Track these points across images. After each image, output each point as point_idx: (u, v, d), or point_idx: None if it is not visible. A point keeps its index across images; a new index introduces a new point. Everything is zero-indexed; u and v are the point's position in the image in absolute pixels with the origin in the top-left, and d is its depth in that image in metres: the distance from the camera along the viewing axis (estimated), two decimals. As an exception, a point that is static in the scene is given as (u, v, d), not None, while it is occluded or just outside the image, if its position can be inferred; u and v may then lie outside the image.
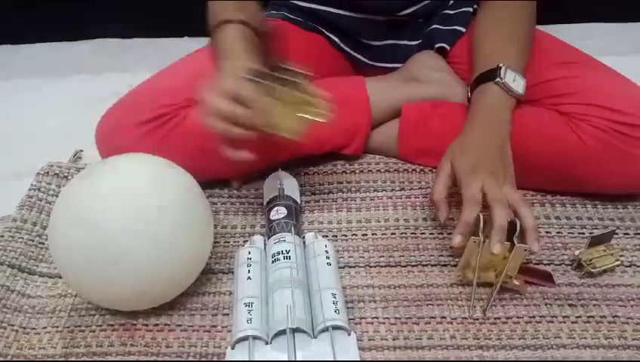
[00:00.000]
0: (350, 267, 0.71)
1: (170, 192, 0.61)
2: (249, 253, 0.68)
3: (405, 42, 0.89)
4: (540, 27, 0.86)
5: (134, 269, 0.58)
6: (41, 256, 0.73)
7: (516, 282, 0.64)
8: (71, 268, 0.60)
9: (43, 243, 0.75)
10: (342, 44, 0.90)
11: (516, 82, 0.73)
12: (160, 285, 0.61)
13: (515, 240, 0.62)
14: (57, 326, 0.65)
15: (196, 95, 0.68)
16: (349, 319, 0.63)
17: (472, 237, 0.64)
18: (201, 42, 0.88)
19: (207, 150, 0.77)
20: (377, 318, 0.64)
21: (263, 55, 0.69)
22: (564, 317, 0.63)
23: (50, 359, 0.61)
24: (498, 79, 0.72)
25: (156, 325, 0.64)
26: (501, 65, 0.73)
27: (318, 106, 0.66)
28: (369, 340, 0.62)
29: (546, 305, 0.65)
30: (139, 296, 0.61)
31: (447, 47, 0.87)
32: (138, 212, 0.58)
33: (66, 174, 0.84)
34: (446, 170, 0.70)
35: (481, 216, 0.64)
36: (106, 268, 0.58)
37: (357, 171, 0.85)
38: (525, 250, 0.62)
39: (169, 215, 0.60)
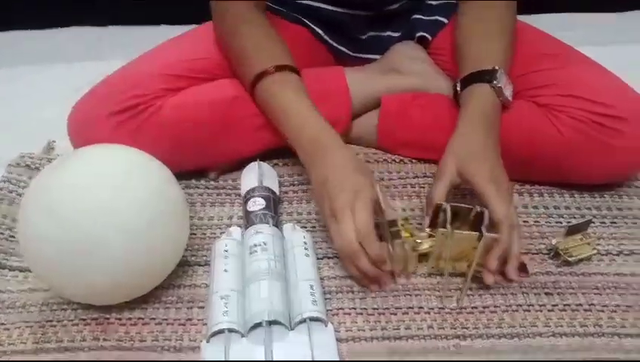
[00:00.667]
0: (329, 258, 0.70)
1: (142, 183, 0.60)
2: (226, 244, 0.67)
3: (389, 34, 0.89)
4: (521, 17, 0.86)
5: (106, 262, 0.57)
6: (11, 250, 0.71)
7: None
8: (41, 262, 0.59)
9: (14, 237, 0.73)
10: (325, 37, 0.89)
11: (507, 88, 0.72)
12: (133, 278, 0.60)
13: (483, 230, 0.61)
14: (28, 321, 0.63)
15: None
16: (327, 310, 0.63)
17: (441, 229, 0.63)
18: (178, 30, 0.87)
19: (184, 140, 0.76)
20: (355, 309, 0.64)
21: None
22: (540, 305, 0.64)
23: (21, 355, 0.60)
24: (495, 82, 0.71)
25: (130, 319, 0.63)
26: (497, 67, 0.71)
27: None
28: (346, 331, 0.61)
29: (522, 293, 0.65)
30: (112, 290, 0.60)
31: (429, 37, 0.87)
32: (109, 203, 0.57)
33: (37, 165, 0.82)
34: (451, 174, 0.67)
35: (449, 207, 0.63)
36: (77, 261, 0.56)
37: (336, 161, 0.85)
38: (495, 240, 0.62)
39: (141, 206, 0.58)
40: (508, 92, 0.72)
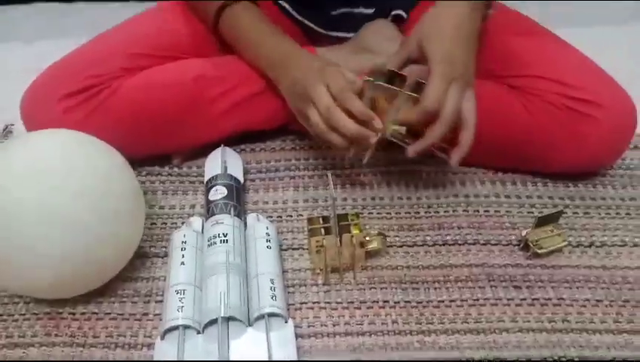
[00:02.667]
0: (294, 249, 0.68)
1: (87, 171, 0.56)
2: (184, 235, 0.64)
3: (360, 10, 0.85)
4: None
5: (48, 256, 0.54)
6: (-38, 240, 0.68)
7: (402, 133, 0.66)
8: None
9: (-36, 226, 0.69)
10: (294, 12, 0.85)
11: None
12: (80, 273, 0.57)
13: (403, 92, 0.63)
14: (-23, 316, 0.61)
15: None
16: (290, 304, 0.61)
17: (365, 77, 0.65)
18: (148, 6, 0.82)
19: (143, 124, 0.72)
20: (318, 303, 0.62)
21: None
22: (508, 299, 0.62)
23: (-33, 351, 0.57)
24: None
25: (83, 314, 0.60)
26: None
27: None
28: (308, 326, 0.60)
29: (491, 287, 0.63)
30: (57, 285, 0.57)
31: (404, 15, 0.83)
32: (47, 195, 0.54)
33: (-8, 150, 0.78)
34: (411, 46, 0.66)
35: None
36: (18, 255, 0.54)
37: (306, 148, 0.82)
38: (408, 100, 0.64)
39: (85, 196, 0.55)
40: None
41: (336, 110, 0.64)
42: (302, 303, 0.62)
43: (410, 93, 0.65)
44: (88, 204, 0.55)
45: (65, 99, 0.68)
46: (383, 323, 0.60)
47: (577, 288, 0.63)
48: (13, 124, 0.85)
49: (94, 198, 0.56)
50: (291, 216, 0.73)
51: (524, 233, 0.67)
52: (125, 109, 0.70)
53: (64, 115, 0.68)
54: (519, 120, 0.71)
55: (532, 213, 0.72)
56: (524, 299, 0.62)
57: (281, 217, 0.72)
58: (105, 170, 0.58)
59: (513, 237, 0.69)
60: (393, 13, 0.83)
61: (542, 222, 0.66)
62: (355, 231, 0.62)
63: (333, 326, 0.60)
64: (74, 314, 0.60)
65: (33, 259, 0.54)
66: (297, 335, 0.58)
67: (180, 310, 0.56)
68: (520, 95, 0.71)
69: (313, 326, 0.60)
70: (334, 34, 0.86)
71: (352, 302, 0.62)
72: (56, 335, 0.58)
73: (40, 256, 0.54)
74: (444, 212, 0.72)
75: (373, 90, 0.66)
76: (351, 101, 0.64)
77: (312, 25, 0.86)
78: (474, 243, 0.68)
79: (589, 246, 0.68)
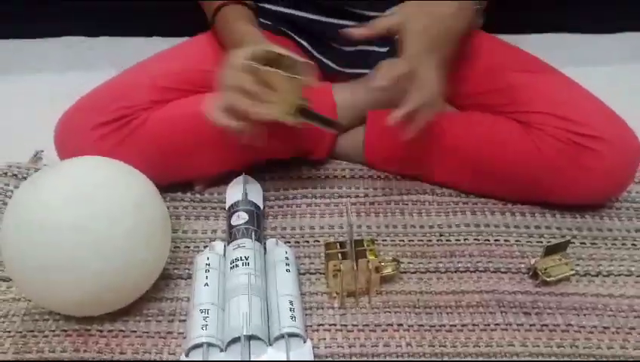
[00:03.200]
0: (311, 273, 0.71)
1: (120, 197, 0.60)
2: (207, 258, 0.67)
3: (375, 48, 0.90)
4: (503, 36, 0.87)
5: (82, 278, 0.57)
6: (-5, 259, 0.71)
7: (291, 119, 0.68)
8: (21, 275, 0.59)
9: (-2, 246, 0.73)
10: (311, 49, 0.90)
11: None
12: (112, 293, 0.60)
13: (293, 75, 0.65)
14: (9, 331, 0.63)
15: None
16: (307, 326, 0.63)
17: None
18: (171, 42, 0.88)
19: (169, 153, 0.76)
20: (335, 325, 0.64)
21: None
22: (518, 325, 0.64)
23: (0, 365, 0.60)
24: None
25: (110, 331, 0.63)
26: None
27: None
28: (325, 347, 0.62)
29: (501, 313, 0.66)
30: (90, 304, 0.61)
31: None
32: (83, 220, 0.57)
33: (25, 175, 0.82)
34: (392, 21, 0.68)
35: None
36: (54, 276, 0.57)
37: (322, 177, 0.86)
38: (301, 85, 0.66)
39: (118, 221, 0.59)
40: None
41: (231, 88, 0.65)
42: (319, 325, 0.64)
43: (290, 75, 0.66)
44: (122, 229, 0.59)
45: (97, 129, 0.73)
46: (397, 346, 0.62)
47: (585, 315, 0.66)
48: (43, 151, 0.89)
49: (128, 224, 0.59)
50: (308, 242, 0.76)
51: (533, 261, 0.69)
52: (152, 139, 0.74)
53: (96, 143, 0.72)
54: (528, 154, 0.74)
55: (541, 242, 0.75)
56: (534, 325, 0.64)
57: (298, 242, 0.75)
58: (138, 196, 0.61)
59: (522, 266, 0.71)
60: None
61: (550, 251, 0.68)
62: (370, 257, 0.65)
63: (350, 347, 0.62)
64: (101, 331, 0.63)
65: (68, 279, 0.57)
66: (315, 356, 0.60)
67: (204, 328, 0.59)
68: (528, 130, 0.75)
69: (330, 347, 0.62)
70: (350, 71, 0.90)
71: (368, 325, 0.64)
72: (84, 351, 0.61)
73: (74, 277, 0.57)
74: (456, 240, 0.75)
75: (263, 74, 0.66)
76: (237, 75, 0.65)
77: (328, 62, 0.91)
78: (484, 271, 0.71)
79: (596, 275, 0.71)
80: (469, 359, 0.61)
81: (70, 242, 0.57)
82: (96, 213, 0.58)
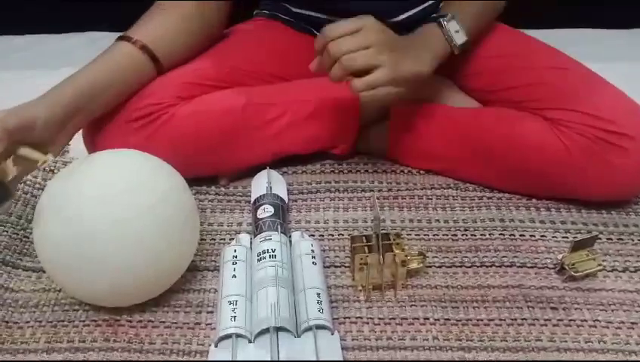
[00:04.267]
0: (336, 266, 0.71)
1: (153, 189, 0.61)
2: (235, 250, 0.68)
3: None
4: (529, 32, 0.87)
5: (117, 267, 0.58)
6: (25, 250, 0.73)
7: None
8: (54, 264, 0.60)
9: (27, 237, 0.74)
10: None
11: (458, 34, 0.75)
12: (143, 283, 0.61)
13: None
14: (40, 321, 0.64)
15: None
16: (333, 318, 0.63)
17: None
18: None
19: (195, 148, 0.77)
20: (361, 318, 0.65)
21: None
22: (545, 320, 0.64)
23: (33, 354, 0.61)
24: (441, 19, 0.74)
25: (140, 321, 0.64)
26: (448, 14, 0.74)
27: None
28: (352, 340, 0.62)
29: (528, 308, 0.65)
30: (122, 293, 0.61)
31: None
32: (118, 211, 0.58)
33: (52, 168, 0.83)
34: (356, 25, 0.68)
35: None
36: (89, 265, 0.58)
37: (345, 171, 0.86)
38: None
39: (151, 213, 0.59)
40: (457, 37, 0.75)
41: None
42: (345, 317, 0.65)
43: None
44: (154, 220, 0.59)
45: (127, 124, 0.73)
46: (424, 339, 0.62)
47: (612, 311, 0.65)
48: (70, 144, 0.90)
49: (159, 215, 0.60)
50: (332, 236, 0.76)
51: (560, 256, 0.69)
52: (178, 135, 0.75)
53: (125, 139, 0.73)
54: (554, 150, 0.74)
55: (566, 237, 0.74)
56: (561, 320, 0.64)
57: (322, 236, 0.76)
58: (169, 188, 0.62)
59: (549, 261, 0.71)
60: None
61: (578, 246, 0.68)
62: (397, 250, 0.65)
63: (376, 340, 0.62)
64: (130, 321, 0.64)
65: (100, 269, 0.58)
66: (342, 348, 0.60)
67: (232, 319, 0.60)
68: (554, 127, 0.74)
69: (357, 339, 0.62)
70: None
71: (394, 318, 0.64)
72: (114, 340, 0.62)
73: (106, 268, 0.58)
74: (481, 235, 0.75)
75: None
76: None
77: None
78: (510, 266, 0.70)
79: (623, 271, 0.70)
80: (496, 353, 0.61)
81: (104, 233, 0.57)
82: (129, 204, 0.59)
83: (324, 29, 0.68)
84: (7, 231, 0.74)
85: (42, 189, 0.80)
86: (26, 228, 0.75)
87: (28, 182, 0.80)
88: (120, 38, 0.74)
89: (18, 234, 0.74)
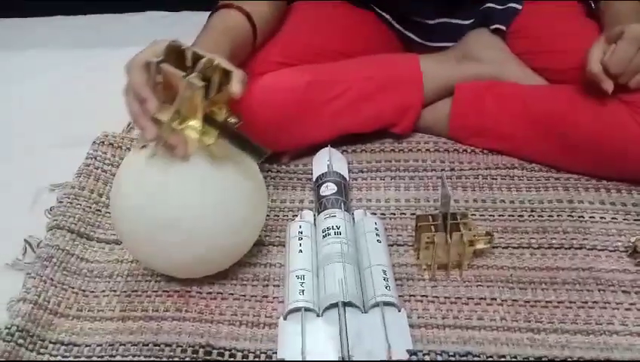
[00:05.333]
0: (399, 245, 0.71)
1: (227, 165, 0.61)
2: (300, 226, 0.69)
3: (458, 21, 0.87)
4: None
5: (192, 239, 0.60)
6: (97, 223, 0.76)
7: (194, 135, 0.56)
8: (132, 235, 0.62)
9: (100, 211, 0.77)
10: (393, 22, 0.89)
11: None
12: (215, 255, 0.63)
13: (194, 78, 0.53)
14: (115, 290, 0.67)
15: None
16: (399, 296, 0.64)
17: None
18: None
19: (261, 125, 0.78)
20: (427, 296, 0.65)
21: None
22: (617, 303, 0.62)
23: (109, 321, 0.64)
24: None
25: (209, 293, 0.66)
26: None
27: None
28: (418, 318, 0.62)
29: (599, 291, 0.64)
30: (195, 265, 0.63)
31: (504, 29, 0.85)
32: (197, 185, 0.59)
33: (120, 144, 0.86)
34: (601, 43, 0.69)
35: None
36: (165, 237, 0.59)
37: (406, 150, 0.85)
38: (195, 88, 0.53)
39: (226, 189, 0.61)
40: None
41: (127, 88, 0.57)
42: (410, 295, 0.65)
43: (192, 80, 0.54)
44: (226, 195, 0.60)
45: None
46: (491, 319, 0.62)
47: (689, 296, 0.63)
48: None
49: (232, 190, 0.61)
50: (394, 214, 0.76)
51: (632, 239, 0.67)
52: (244, 112, 0.76)
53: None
54: (627, 131, 0.71)
55: (638, 220, 0.72)
56: (634, 304, 0.62)
57: (384, 214, 0.76)
58: (241, 163, 0.63)
59: (620, 244, 0.69)
60: (492, 27, 0.85)
61: (653, 228, 0.66)
62: (465, 230, 0.64)
63: (442, 318, 0.62)
64: (201, 293, 0.66)
65: (176, 241, 0.60)
66: (409, 325, 0.60)
67: (301, 293, 0.61)
68: (629, 108, 0.71)
69: (423, 317, 0.62)
70: (431, 44, 0.89)
71: (460, 298, 0.64)
72: (186, 311, 0.64)
73: (183, 240, 0.60)
74: (548, 216, 0.73)
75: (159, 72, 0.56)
76: (131, 73, 0.56)
77: (410, 34, 0.89)
78: (580, 248, 0.69)
79: (701, 255, 0.67)
80: (566, 336, 0.60)
81: (185, 205, 0.59)
82: (207, 180, 0.60)
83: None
84: (80, 205, 0.77)
85: (112, 165, 0.83)
86: (98, 202, 0.78)
87: (98, 158, 0.83)
88: (224, 6, 0.72)
89: (91, 208, 0.77)
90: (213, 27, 0.70)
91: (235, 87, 0.57)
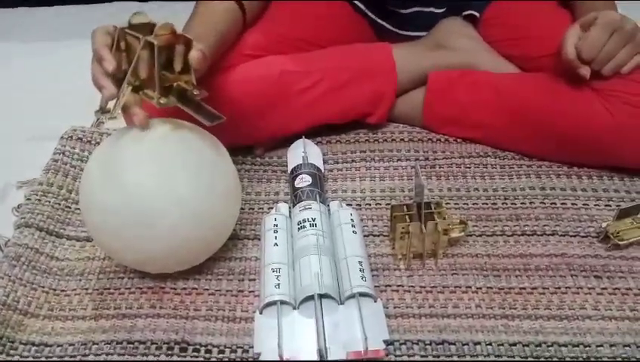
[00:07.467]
0: (374, 236, 0.71)
1: (199, 156, 0.61)
2: (275, 219, 0.68)
3: (431, 9, 0.87)
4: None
5: (164, 233, 0.59)
6: (67, 220, 0.74)
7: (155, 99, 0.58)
8: (104, 230, 0.61)
9: (69, 207, 0.75)
10: (367, 11, 0.89)
11: None
12: (189, 249, 0.62)
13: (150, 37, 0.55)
14: (87, 289, 0.66)
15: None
16: (375, 286, 0.64)
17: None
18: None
19: (233, 116, 0.76)
20: (402, 286, 0.65)
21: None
22: (589, 288, 0.64)
23: (81, 320, 0.62)
24: None
25: (184, 289, 0.65)
26: None
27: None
28: (394, 308, 0.62)
29: (572, 276, 0.65)
30: (168, 259, 0.62)
31: (477, 15, 0.85)
32: (168, 178, 0.58)
33: (89, 139, 0.84)
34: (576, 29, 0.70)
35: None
36: (138, 231, 0.58)
37: (381, 140, 0.85)
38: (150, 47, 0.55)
39: (198, 180, 0.60)
40: None
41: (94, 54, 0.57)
42: (386, 285, 0.65)
43: (148, 38, 0.56)
44: (198, 187, 0.59)
45: None
46: (466, 307, 0.62)
47: (658, 279, 0.64)
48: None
49: (203, 182, 0.60)
50: (369, 205, 0.76)
51: (604, 225, 0.68)
52: (215, 104, 0.74)
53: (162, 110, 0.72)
54: (599, 119, 0.72)
55: (609, 206, 0.73)
56: (605, 289, 0.64)
57: (359, 205, 0.75)
58: (212, 155, 0.62)
59: (592, 229, 0.70)
60: (465, 13, 0.85)
61: (623, 214, 0.67)
62: (439, 219, 0.65)
63: (419, 308, 0.62)
64: (175, 288, 0.65)
65: (149, 236, 0.59)
66: (385, 315, 0.60)
67: (277, 287, 0.60)
68: (600, 96, 0.72)
69: (399, 307, 0.63)
70: (404, 32, 0.89)
71: (435, 287, 0.64)
72: (160, 307, 0.63)
73: (156, 234, 0.58)
74: (521, 203, 0.74)
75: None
76: (95, 37, 0.57)
77: (384, 23, 0.89)
78: (552, 234, 0.70)
79: (669, 239, 0.69)
80: (540, 321, 0.60)
81: (157, 198, 0.58)
82: (174, 171, 0.59)
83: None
84: (49, 202, 0.75)
85: (81, 160, 0.81)
86: (67, 198, 0.76)
87: (67, 153, 0.81)
88: None
89: (60, 204, 0.75)
90: (200, 13, 0.69)
91: (194, 53, 0.57)
